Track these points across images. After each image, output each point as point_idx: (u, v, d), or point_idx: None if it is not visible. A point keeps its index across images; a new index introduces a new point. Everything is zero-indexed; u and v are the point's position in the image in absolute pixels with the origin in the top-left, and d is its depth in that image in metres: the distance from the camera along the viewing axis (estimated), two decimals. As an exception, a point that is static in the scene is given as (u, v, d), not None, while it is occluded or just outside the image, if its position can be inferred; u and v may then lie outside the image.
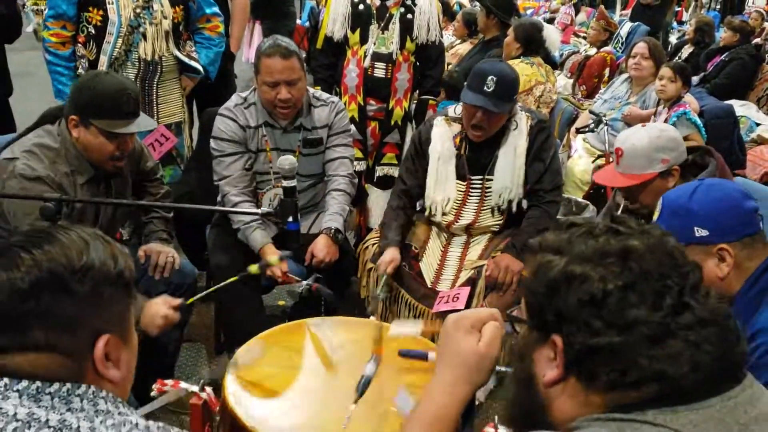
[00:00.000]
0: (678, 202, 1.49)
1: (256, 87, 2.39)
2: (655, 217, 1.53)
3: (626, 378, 0.79)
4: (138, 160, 2.21)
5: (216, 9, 2.99)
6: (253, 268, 1.80)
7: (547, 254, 0.87)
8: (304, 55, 7.50)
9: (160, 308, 1.81)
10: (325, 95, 2.53)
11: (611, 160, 3.28)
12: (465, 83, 2.35)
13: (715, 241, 1.42)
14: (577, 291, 0.81)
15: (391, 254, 2.34)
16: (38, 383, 0.83)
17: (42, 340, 0.84)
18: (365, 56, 2.93)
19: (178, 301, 1.84)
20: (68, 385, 0.84)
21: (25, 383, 0.82)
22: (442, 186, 2.43)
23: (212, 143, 2.40)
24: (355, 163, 2.97)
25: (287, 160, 1.85)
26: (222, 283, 1.87)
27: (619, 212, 2.05)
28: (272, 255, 2.16)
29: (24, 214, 1.84)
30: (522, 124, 2.37)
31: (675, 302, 0.79)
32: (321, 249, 2.27)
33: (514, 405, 0.94)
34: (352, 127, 2.95)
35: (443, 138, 2.43)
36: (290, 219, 1.77)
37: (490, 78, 2.21)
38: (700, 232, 1.42)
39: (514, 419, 0.95)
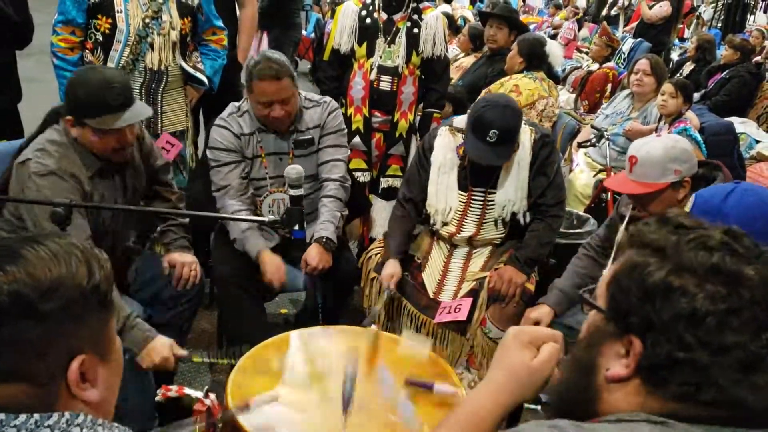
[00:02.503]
0: (711, 202, 1.47)
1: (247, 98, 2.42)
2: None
3: (700, 395, 0.77)
4: (148, 156, 2.22)
5: (220, 22, 3.03)
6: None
7: (647, 252, 0.83)
8: (309, 65, 7.59)
9: (164, 350, 1.84)
10: (317, 96, 2.55)
11: (612, 173, 3.32)
12: (468, 123, 2.34)
13: None
14: (676, 303, 0.78)
15: (392, 268, 2.36)
16: (2, 416, 0.77)
17: (9, 370, 0.78)
18: (371, 69, 2.97)
19: (183, 352, 1.89)
20: (36, 416, 0.78)
21: None
22: (443, 195, 2.45)
23: (208, 153, 2.43)
24: (360, 174, 3.00)
25: (294, 170, 1.87)
26: None
27: (623, 225, 2.06)
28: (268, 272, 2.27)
29: (43, 216, 1.83)
30: (526, 138, 2.39)
31: None
32: (314, 257, 2.30)
33: (566, 389, 0.92)
34: (357, 138, 2.99)
35: (445, 148, 2.46)
36: (296, 227, 1.79)
37: (493, 131, 2.24)
38: None
39: (559, 403, 0.93)
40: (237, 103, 2.47)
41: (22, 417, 0.77)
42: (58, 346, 0.81)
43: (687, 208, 1.52)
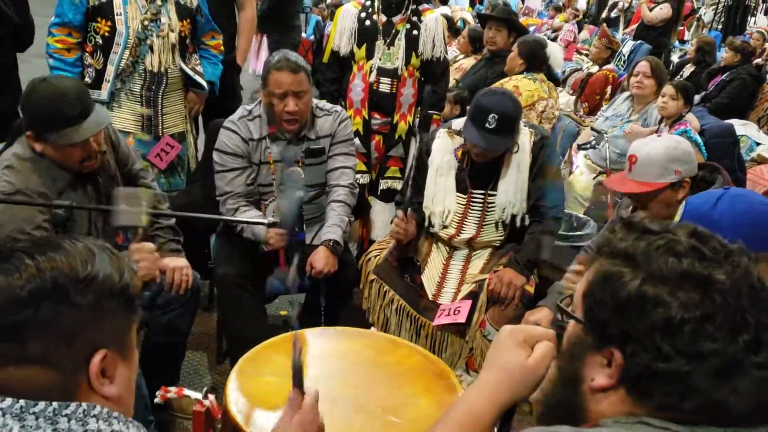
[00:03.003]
0: (701, 209, 1.47)
1: (261, 100, 2.42)
2: (676, 219, 1.51)
3: (684, 403, 0.77)
4: (124, 163, 2.18)
5: (217, 28, 3.04)
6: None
7: (617, 262, 0.83)
8: (309, 68, 7.61)
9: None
10: (328, 105, 2.54)
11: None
12: (468, 114, 2.35)
13: None
14: (650, 314, 0.78)
15: (413, 226, 2.36)
16: (22, 402, 0.80)
17: (38, 352, 0.82)
18: (371, 71, 2.97)
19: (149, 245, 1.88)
20: (55, 404, 0.81)
21: (9, 401, 0.79)
22: (440, 198, 2.45)
23: (215, 156, 2.42)
24: (359, 176, 3.00)
25: (294, 172, 1.87)
26: None
27: None
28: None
29: (16, 230, 1.80)
30: (525, 140, 2.39)
31: (752, 338, 0.77)
32: (320, 260, 2.29)
33: (553, 402, 0.92)
34: (357, 140, 2.99)
35: (443, 151, 2.46)
36: (296, 229, 1.79)
37: (491, 116, 2.23)
38: None
39: (547, 414, 0.93)
40: (248, 107, 2.46)
41: (41, 404, 0.80)
42: (85, 336, 0.85)
43: (678, 216, 1.53)
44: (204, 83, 2.93)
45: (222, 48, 3.06)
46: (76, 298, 0.83)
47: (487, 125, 2.24)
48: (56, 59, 2.70)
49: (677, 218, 1.52)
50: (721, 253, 0.82)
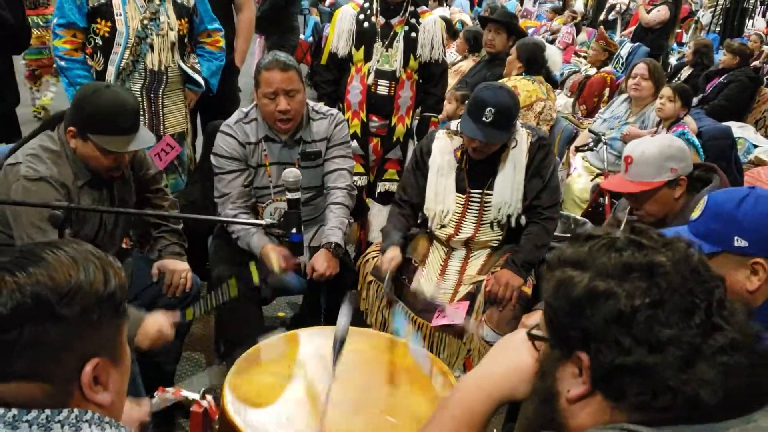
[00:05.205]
0: (724, 207, 1.44)
1: (256, 103, 2.42)
2: (695, 214, 1.48)
3: (657, 401, 0.78)
4: (139, 167, 2.21)
5: (217, 24, 3.03)
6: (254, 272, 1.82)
7: (567, 269, 0.85)
8: (307, 70, 7.61)
9: (158, 320, 1.80)
10: (324, 108, 2.54)
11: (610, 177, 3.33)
12: (465, 108, 2.37)
13: (753, 254, 1.37)
14: (603, 308, 0.80)
15: (393, 252, 2.37)
16: (15, 411, 0.79)
17: (25, 370, 0.81)
18: (369, 73, 2.97)
19: (176, 317, 1.85)
20: (47, 411, 0.81)
21: (1, 411, 0.79)
22: (441, 198, 2.46)
23: (213, 160, 2.42)
24: (357, 178, 3.00)
25: (291, 173, 1.88)
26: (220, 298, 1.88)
27: (620, 228, 2.06)
28: (274, 259, 2.24)
29: (29, 222, 1.84)
30: (522, 140, 2.40)
31: (704, 321, 0.78)
32: (321, 263, 2.30)
33: (534, 421, 0.93)
34: (355, 142, 2.99)
35: (443, 151, 2.47)
36: (293, 231, 1.80)
37: (488, 109, 2.24)
38: (740, 242, 1.37)
39: None
40: (245, 109, 2.46)
41: (34, 412, 0.80)
42: (74, 349, 0.83)
43: (698, 211, 1.50)
44: (201, 80, 2.93)
45: (221, 44, 3.05)
46: (61, 311, 0.81)
47: (484, 119, 2.25)
48: (67, 60, 2.70)
49: (697, 213, 1.48)
50: (659, 242, 0.84)
